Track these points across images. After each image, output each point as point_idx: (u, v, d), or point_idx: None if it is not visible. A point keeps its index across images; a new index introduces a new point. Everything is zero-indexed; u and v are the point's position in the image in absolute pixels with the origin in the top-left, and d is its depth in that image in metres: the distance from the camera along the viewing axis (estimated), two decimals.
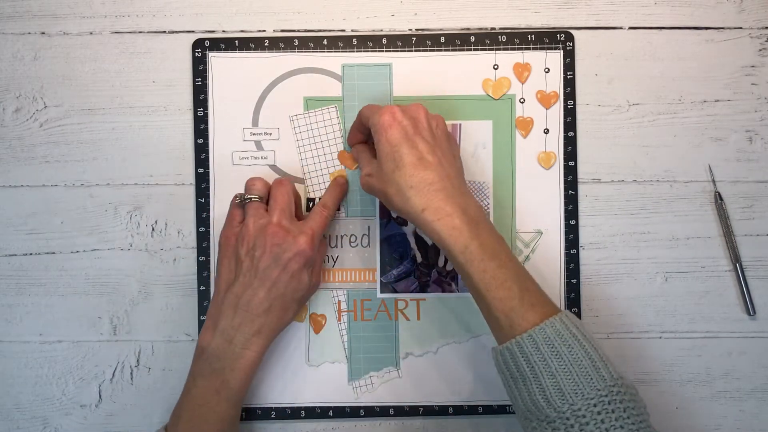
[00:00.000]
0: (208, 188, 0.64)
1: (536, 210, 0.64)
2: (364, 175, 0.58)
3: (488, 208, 0.64)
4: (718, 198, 0.64)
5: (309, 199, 0.64)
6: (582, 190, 0.64)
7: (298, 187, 0.64)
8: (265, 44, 0.64)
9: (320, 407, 0.63)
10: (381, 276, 0.64)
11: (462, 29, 0.64)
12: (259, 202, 0.58)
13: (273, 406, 0.63)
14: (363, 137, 0.61)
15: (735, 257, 0.63)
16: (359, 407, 0.63)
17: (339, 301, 0.64)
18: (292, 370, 0.63)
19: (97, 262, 0.64)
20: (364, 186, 0.58)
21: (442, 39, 0.64)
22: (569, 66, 0.64)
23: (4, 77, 0.64)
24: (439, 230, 0.52)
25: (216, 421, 0.55)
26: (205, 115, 0.64)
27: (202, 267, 0.63)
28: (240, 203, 0.59)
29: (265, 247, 0.55)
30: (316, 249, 0.58)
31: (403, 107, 0.56)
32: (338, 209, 0.63)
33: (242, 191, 0.61)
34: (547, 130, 0.64)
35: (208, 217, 0.63)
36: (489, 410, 0.63)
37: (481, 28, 0.64)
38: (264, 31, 0.64)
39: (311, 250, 0.56)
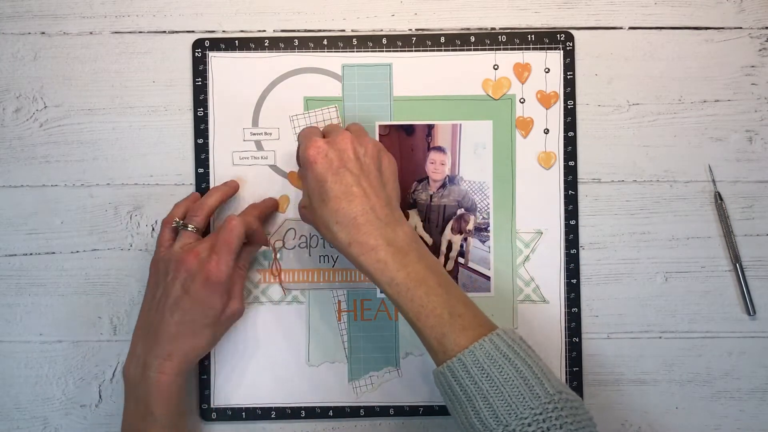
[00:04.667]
0: (208, 188, 0.63)
1: (536, 210, 0.64)
2: (300, 206, 0.57)
3: (488, 208, 0.64)
4: (718, 198, 0.64)
5: None
6: (582, 190, 0.64)
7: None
8: (265, 44, 0.64)
9: (320, 407, 0.63)
10: None
11: (462, 29, 0.64)
12: (192, 233, 0.58)
13: (273, 406, 0.63)
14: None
15: (735, 257, 0.63)
16: (359, 407, 0.63)
17: (339, 301, 0.64)
18: (292, 370, 0.63)
19: (97, 262, 0.64)
20: (301, 217, 0.58)
21: (442, 39, 0.64)
22: (569, 66, 0.64)
23: (4, 77, 0.64)
24: (365, 264, 0.52)
25: None
26: (205, 115, 0.64)
27: None
28: (174, 228, 0.59)
29: (177, 272, 0.55)
30: (227, 273, 0.56)
31: (329, 140, 0.55)
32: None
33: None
34: (547, 130, 0.64)
35: None
36: None
37: (481, 28, 0.64)
38: (264, 31, 0.64)
39: (218, 276, 0.55)
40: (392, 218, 0.54)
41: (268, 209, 0.63)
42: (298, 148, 0.58)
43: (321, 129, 0.58)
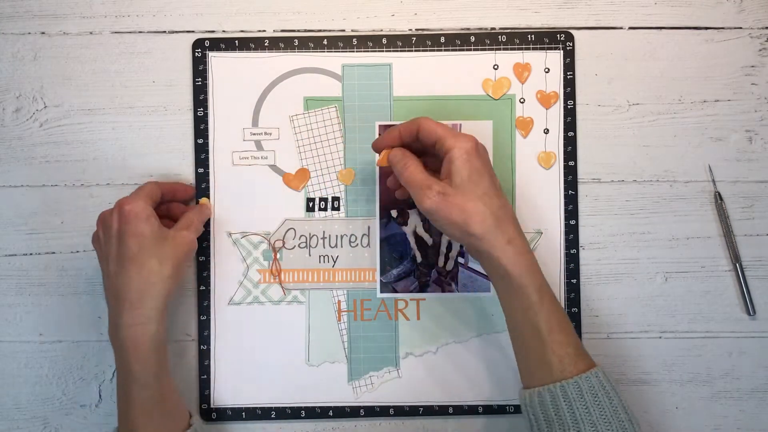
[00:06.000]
0: (208, 188, 0.64)
1: (536, 210, 0.64)
2: (436, 192, 0.53)
3: None
4: (718, 198, 0.64)
5: (309, 199, 0.64)
6: (582, 190, 0.64)
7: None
8: (265, 44, 0.64)
9: (320, 407, 0.63)
10: (381, 276, 0.64)
11: (462, 29, 0.64)
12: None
13: (273, 406, 0.63)
14: (398, 143, 0.57)
15: (735, 257, 0.63)
16: (359, 407, 0.63)
17: (339, 301, 0.64)
18: (292, 370, 0.63)
19: (97, 262, 0.64)
20: (434, 204, 0.53)
21: (442, 39, 0.64)
22: (569, 66, 0.64)
23: (4, 77, 0.64)
24: (521, 264, 0.52)
25: (135, 406, 0.54)
26: (205, 115, 0.64)
27: (202, 267, 0.63)
28: None
29: (103, 230, 0.57)
30: (142, 204, 0.56)
31: (458, 134, 0.55)
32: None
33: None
34: (547, 130, 0.64)
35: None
36: (489, 410, 0.63)
37: (481, 28, 0.64)
38: (264, 31, 0.64)
39: (129, 203, 0.55)
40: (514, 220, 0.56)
41: (179, 193, 0.62)
42: (403, 128, 0.56)
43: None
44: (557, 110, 0.64)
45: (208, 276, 0.63)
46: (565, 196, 0.64)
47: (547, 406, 0.51)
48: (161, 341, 0.56)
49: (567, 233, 0.64)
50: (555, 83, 0.64)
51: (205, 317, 0.63)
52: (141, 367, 0.54)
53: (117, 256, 0.55)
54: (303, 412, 0.63)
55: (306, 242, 0.64)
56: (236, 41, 0.64)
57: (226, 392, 0.63)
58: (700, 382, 0.64)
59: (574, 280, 0.63)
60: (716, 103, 0.64)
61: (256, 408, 0.63)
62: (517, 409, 0.63)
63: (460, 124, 0.64)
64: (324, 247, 0.64)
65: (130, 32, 0.64)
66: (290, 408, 0.63)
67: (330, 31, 0.64)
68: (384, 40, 0.64)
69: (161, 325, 0.56)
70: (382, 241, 0.64)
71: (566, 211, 0.64)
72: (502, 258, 0.52)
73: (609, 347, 0.64)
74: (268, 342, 0.63)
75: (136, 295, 0.55)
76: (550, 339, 0.52)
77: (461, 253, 0.64)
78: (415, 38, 0.64)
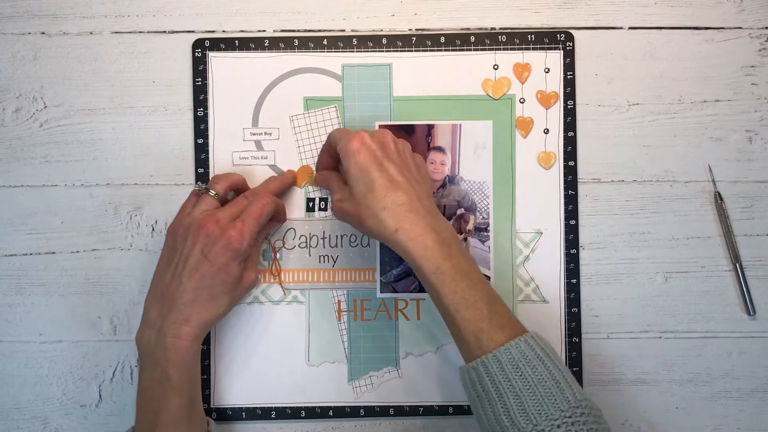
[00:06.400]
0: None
1: (536, 210, 0.64)
2: (335, 200, 0.58)
3: (488, 208, 0.64)
4: (718, 198, 0.64)
5: (309, 199, 0.64)
6: (582, 190, 0.64)
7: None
8: (265, 44, 0.64)
9: (320, 407, 0.63)
10: (381, 276, 0.64)
11: (462, 29, 0.64)
12: (212, 199, 0.58)
13: (273, 406, 0.63)
14: (333, 162, 0.61)
15: (735, 257, 0.63)
16: (359, 407, 0.63)
17: (339, 301, 0.64)
18: (292, 370, 0.63)
19: (97, 262, 0.64)
20: (336, 211, 0.58)
21: (442, 39, 0.64)
22: (569, 66, 0.64)
23: (4, 77, 0.64)
24: (412, 250, 0.52)
25: (166, 413, 0.54)
26: (205, 115, 0.64)
27: None
28: (198, 192, 0.59)
29: (197, 237, 0.55)
30: (249, 243, 0.56)
31: (370, 132, 0.56)
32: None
33: (241, 191, 0.61)
34: (547, 130, 0.64)
35: None
36: None
37: (481, 28, 0.64)
38: (264, 31, 0.64)
39: (239, 243, 0.55)
40: (435, 210, 0.55)
41: (287, 185, 0.63)
42: (330, 145, 0.59)
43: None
44: (557, 110, 0.64)
45: None
46: (565, 196, 0.64)
47: (475, 383, 0.51)
48: (198, 351, 0.57)
49: (567, 233, 0.64)
50: (555, 83, 0.64)
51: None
52: (181, 376, 0.55)
53: (191, 271, 0.55)
54: (303, 412, 0.63)
55: (306, 242, 0.64)
56: (236, 41, 0.64)
57: (226, 392, 0.63)
58: (700, 382, 0.64)
59: (574, 280, 0.63)
60: (716, 103, 0.64)
61: (256, 408, 0.63)
62: None
63: (460, 124, 0.64)
64: (324, 247, 0.64)
65: (130, 32, 0.64)
66: (290, 408, 0.63)
67: (330, 31, 0.64)
68: (384, 40, 0.64)
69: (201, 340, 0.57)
70: None
71: (566, 211, 0.64)
72: (395, 246, 0.53)
73: (609, 347, 0.64)
74: (268, 342, 0.63)
75: (195, 317, 0.55)
76: (459, 317, 0.51)
77: None
78: (415, 38, 0.64)
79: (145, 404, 0.55)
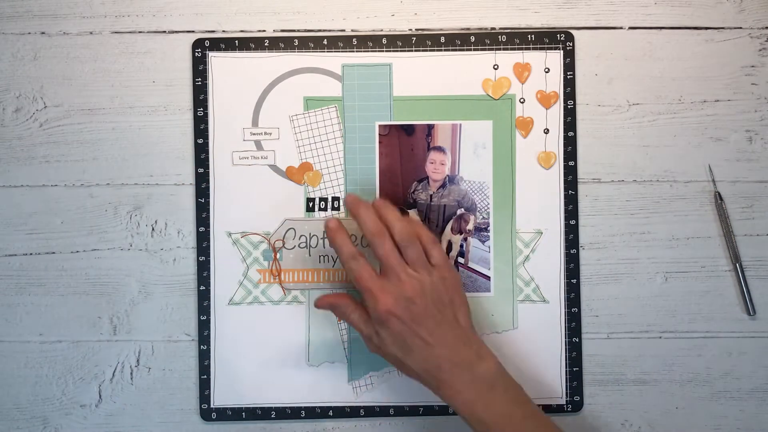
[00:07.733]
0: (208, 188, 0.64)
1: (536, 210, 0.64)
2: (365, 337, 0.57)
3: (488, 208, 0.64)
4: (718, 198, 0.64)
5: (309, 199, 0.64)
6: (582, 190, 0.64)
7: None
8: (265, 44, 0.64)
9: (320, 407, 0.63)
10: None
11: (462, 29, 0.64)
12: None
13: (273, 406, 0.63)
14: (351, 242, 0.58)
15: (735, 257, 0.63)
16: (359, 407, 0.63)
17: None
18: (292, 370, 0.63)
19: (97, 262, 0.64)
20: (370, 348, 0.57)
21: (442, 39, 0.64)
22: (569, 66, 0.64)
23: (4, 77, 0.64)
24: (455, 405, 0.54)
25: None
26: (205, 115, 0.64)
27: (202, 267, 0.63)
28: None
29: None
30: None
31: (396, 289, 0.54)
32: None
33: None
34: (547, 130, 0.64)
35: (208, 217, 0.63)
36: None
37: (481, 28, 0.64)
38: (264, 31, 0.64)
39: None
40: (473, 355, 0.55)
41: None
42: (360, 274, 0.56)
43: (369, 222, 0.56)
44: (557, 110, 0.64)
45: (208, 276, 0.63)
46: (565, 196, 0.64)
47: None
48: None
49: (567, 233, 0.64)
50: (555, 83, 0.64)
51: (205, 317, 0.63)
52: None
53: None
54: (303, 412, 0.63)
55: (306, 242, 0.64)
56: (236, 41, 0.64)
57: (226, 392, 0.63)
58: (700, 382, 0.64)
59: (574, 280, 0.63)
60: (716, 103, 0.64)
61: (256, 408, 0.63)
62: None
63: (460, 124, 0.64)
64: (324, 247, 0.64)
65: (130, 32, 0.64)
66: (290, 408, 0.63)
67: (330, 31, 0.64)
68: (384, 40, 0.64)
69: None
70: None
71: (566, 211, 0.64)
72: (443, 400, 0.55)
73: (609, 347, 0.64)
74: (268, 342, 0.63)
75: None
76: None
77: (461, 253, 0.64)
78: (415, 38, 0.64)
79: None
